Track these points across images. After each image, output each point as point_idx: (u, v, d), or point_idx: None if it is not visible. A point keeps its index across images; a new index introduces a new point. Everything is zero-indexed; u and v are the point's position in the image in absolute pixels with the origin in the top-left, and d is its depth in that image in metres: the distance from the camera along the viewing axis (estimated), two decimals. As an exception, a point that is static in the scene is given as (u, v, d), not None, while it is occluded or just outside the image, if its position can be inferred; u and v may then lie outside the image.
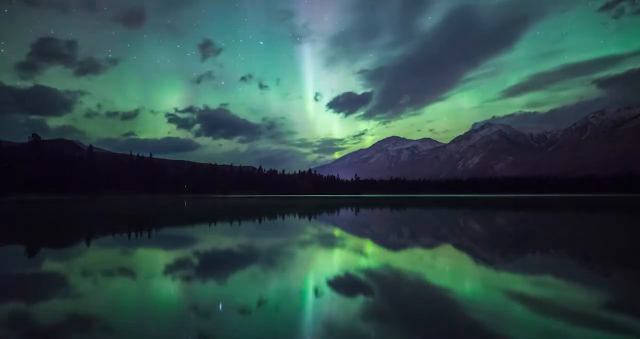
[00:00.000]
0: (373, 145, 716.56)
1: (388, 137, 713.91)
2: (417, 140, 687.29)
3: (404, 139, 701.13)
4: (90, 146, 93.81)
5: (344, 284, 3.08)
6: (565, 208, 17.72)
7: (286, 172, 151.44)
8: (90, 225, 9.32)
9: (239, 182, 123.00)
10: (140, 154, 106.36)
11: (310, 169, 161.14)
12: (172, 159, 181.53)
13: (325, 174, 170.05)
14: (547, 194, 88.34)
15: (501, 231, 7.88)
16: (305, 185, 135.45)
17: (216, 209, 18.52)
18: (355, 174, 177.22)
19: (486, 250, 5.05)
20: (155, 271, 3.60)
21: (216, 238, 6.39)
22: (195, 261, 4.14)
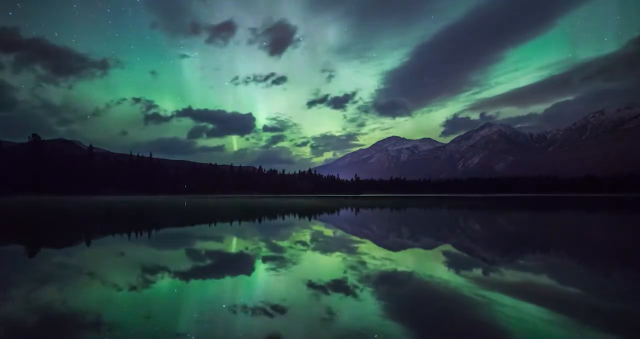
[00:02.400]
0: (373, 145, 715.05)
1: (388, 137, 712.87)
2: (417, 140, 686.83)
3: (404, 139, 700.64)
4: (90, 146, 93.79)
5: (341, 283, 3.16)
6: (565, 208, 17.73)
7: (287, 172, 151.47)
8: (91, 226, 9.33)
9: (239, 182, 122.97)
10: (141, 154, 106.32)
11: (310, 169, 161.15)
12: (172, 159, 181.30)
13: (325, 174, 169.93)
14: (547, 194, 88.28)
15: (501, 231, 7.89)
16: (305, 185, 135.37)
17: (216, 208, 18.51)
18: (355, 174, 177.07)
19: (485, 250, 5.07)
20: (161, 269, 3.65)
21: (220, 237, 6.43)
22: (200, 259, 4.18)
